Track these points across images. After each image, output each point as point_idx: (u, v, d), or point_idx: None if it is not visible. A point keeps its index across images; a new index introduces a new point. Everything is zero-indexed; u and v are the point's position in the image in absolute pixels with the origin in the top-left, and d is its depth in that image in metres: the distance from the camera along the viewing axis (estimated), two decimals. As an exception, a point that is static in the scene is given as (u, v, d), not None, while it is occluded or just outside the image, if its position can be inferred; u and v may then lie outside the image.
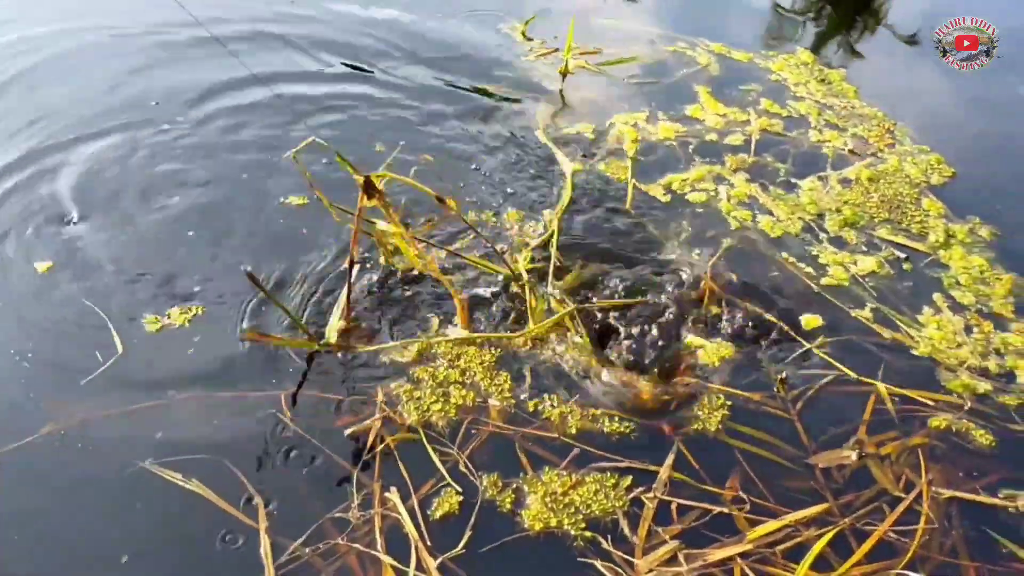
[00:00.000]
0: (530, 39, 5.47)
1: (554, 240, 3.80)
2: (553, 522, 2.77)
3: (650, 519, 2.81)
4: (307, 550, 2.65)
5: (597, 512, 2.82)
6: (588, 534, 2.75)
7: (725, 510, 2.86)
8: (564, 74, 5.08)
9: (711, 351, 3.41)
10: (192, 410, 3.06)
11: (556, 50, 5.26)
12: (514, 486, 2.88)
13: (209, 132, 4.50)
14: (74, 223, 3.81)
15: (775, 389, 3.30)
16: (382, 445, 2.98)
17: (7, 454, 2.86)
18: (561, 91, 4.99)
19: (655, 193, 4.23)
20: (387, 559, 2.64)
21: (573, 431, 3.06)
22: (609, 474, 2.92)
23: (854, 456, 3.07)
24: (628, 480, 2.90)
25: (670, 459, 2.98)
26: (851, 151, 4.65)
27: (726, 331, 3.50)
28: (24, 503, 2.78)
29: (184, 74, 4.90)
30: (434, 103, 4.83)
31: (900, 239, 4.06)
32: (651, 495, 2.88)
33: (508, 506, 2.82)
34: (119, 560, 2.63)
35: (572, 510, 2.81)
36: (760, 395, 3.26)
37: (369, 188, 2.89)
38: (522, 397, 3.17)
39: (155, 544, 2.70)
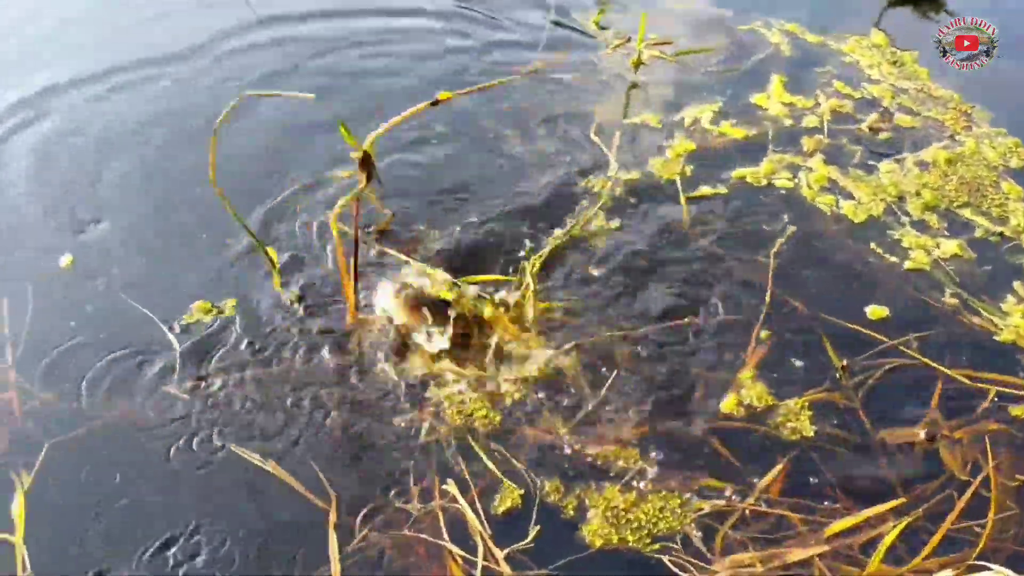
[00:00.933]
0: (604, 28, 5.32)
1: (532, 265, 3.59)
2: (615, 539, 2.67)
3: (729, 524, 2.73)
4: (373, 535, 2.65)
5: (663, 530, 2.70)
6: (656, 545, 2.66)
7: (795, 515, 2.77)
8: (637, 65, 4.93)
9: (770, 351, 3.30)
10: (251, 401, 3.04)
11: (629, 39, 5.10)
12: (570, 491, 2.79)
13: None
14: (89, 216, 3.76)
15: (837, 376, 3.20)
16: (435, 439, 2.94)
17: (78, 439, 2.89)
18: (633, 82, 4.84)
19: (720, 190, 4.04)
20: (455, 548, 2.62)
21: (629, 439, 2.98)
22: (676, 492, 2.80)
23: (923, 435, 2.99)
24: (695, 493, 2.81)
25: (776, 469, 2.89)
26: (870, 128, 4.51)
27: (787, 329, 3.38)
28: (105, 483, 2.79)
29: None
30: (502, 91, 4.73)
31: (982, 222, 3.92)
32: (724, 501, 2.78)
33: (570, 512, 2.74)
34: (200, 533, 2.66)
35: (636, 526, 2.70)
36: (825, 388, 3.16)
37: (366, 163, 2.75)
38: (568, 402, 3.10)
39: (232, 519, 2.70)
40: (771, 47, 5.15)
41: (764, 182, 4.11)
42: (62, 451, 2.86)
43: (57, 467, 2.82)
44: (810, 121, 4.53)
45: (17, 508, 2.66)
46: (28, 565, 2.53)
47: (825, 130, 4.47)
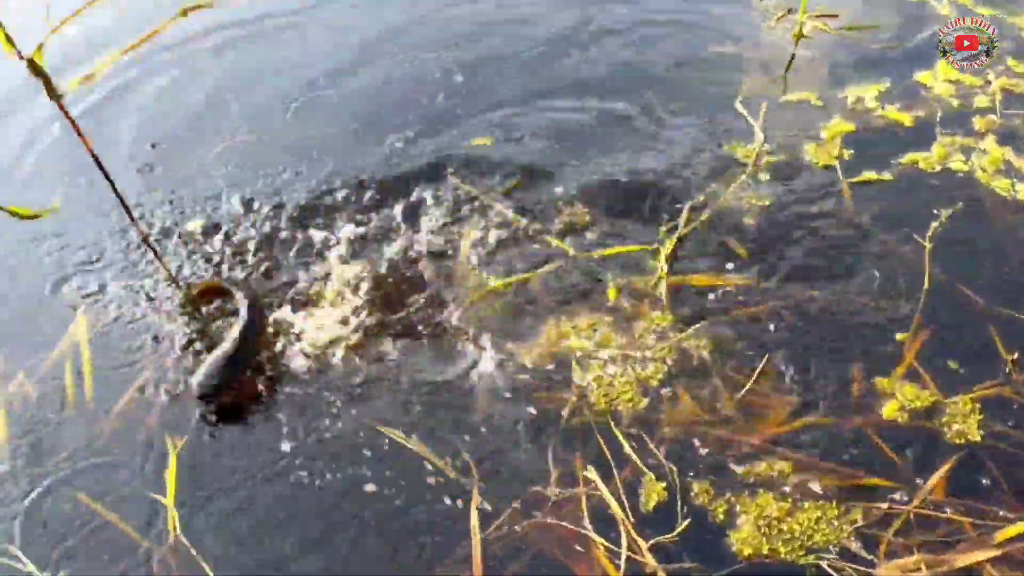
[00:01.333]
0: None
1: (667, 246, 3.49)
2: (765, 550, 2.51)
3: (893, 530, 2.56)
4: (514, 518, 2.59)
5: (819, 542, 2.53)
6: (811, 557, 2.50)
7: (964, 518, 2.59)
8: (798, 38, 4.64)
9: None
10: (391, 380, 3.04)
11: (791, 11, 4.87)
12: (719, 494, 2.66)
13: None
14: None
15: (1007, 370, 3.00)
16: (578, 423, 2.86)
17: (225, 408, 2.94)
18: (792, 56, 4.60)
19: (884, 176, 3.84)
20: (597, 537, 2.54)
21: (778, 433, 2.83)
22: (832, 499, 2.63)
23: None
24: (853, 495, 2.64)
25: (942, 469, 2.70)
26: None
27: (952, 319, 3.18)
28: (250, 454, 2.83)
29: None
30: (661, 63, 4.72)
31: None
32: (886, 504, 2.61)
33: (720, 516, 2.61)
34: (341, 507, 2.66)
35: (788, 537, 2.54)
36: (995, 383, 2.97)
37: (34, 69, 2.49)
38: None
39: (371, 495, 2.69)
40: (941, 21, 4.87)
41: (937, 168, 3.86)
42: (211, 419, 2.92)
43: (207, 434, 2.88)
44: (980, 101, 4.26)
45: (169, 472, 2.71)
46: (178, 526, 2.58)
47: (997, 111, 4.19)
